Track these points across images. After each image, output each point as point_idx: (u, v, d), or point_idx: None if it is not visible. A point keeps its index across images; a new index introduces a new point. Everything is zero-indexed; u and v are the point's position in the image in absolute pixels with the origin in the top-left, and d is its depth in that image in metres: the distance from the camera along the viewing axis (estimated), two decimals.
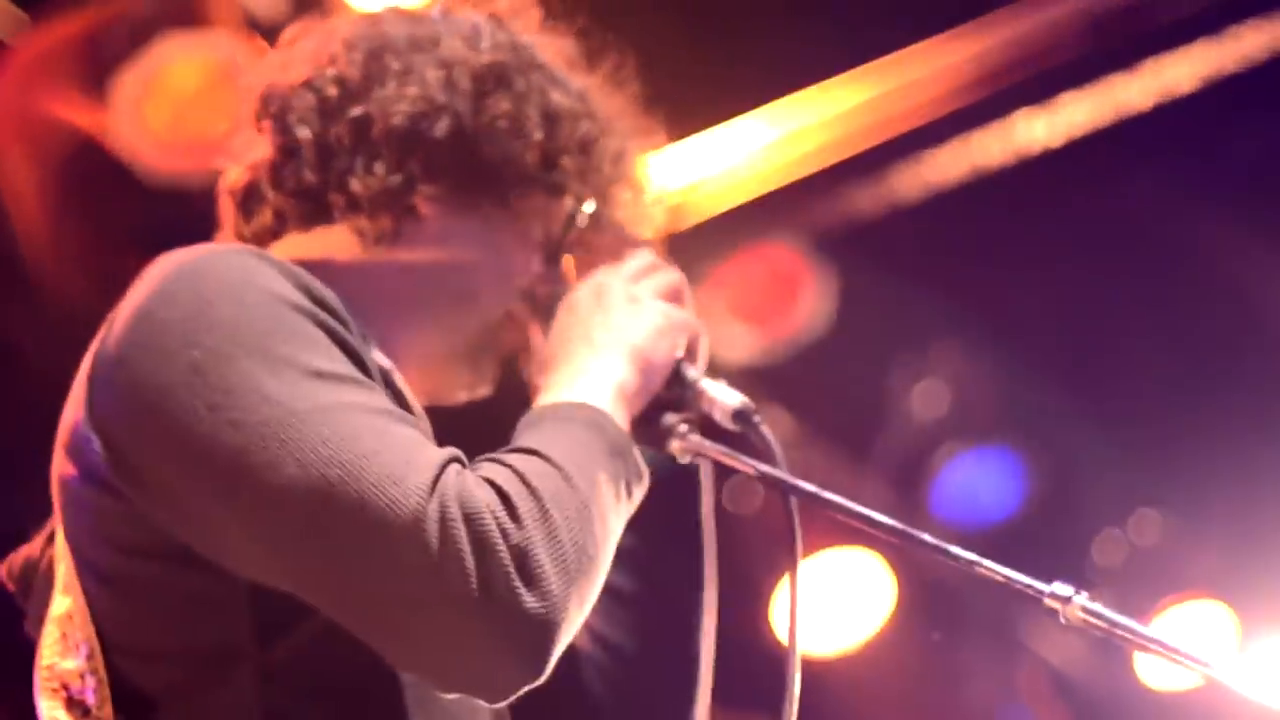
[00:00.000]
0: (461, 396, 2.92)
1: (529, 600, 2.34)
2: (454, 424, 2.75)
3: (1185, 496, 7.62)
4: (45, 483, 2.64)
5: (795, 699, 2.70)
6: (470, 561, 2.33)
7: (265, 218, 2.86)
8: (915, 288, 6.91)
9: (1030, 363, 7.28)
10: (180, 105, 5.52)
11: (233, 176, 2.89)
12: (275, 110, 2.86)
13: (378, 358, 2.66)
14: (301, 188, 2.83)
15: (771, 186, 6.31)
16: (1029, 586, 2.51)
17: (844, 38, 6.05)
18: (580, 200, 2.90)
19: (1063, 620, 2.48)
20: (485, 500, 2.37)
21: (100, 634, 2.55)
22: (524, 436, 2.53)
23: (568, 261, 2.94)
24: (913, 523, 2.62)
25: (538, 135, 2.85)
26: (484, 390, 2.92)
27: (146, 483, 2.47)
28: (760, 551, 7.23)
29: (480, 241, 2.85)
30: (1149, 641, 2.48)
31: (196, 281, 2.48)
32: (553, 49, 2.97)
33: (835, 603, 7.51)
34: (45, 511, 2.68)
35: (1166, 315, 7.10)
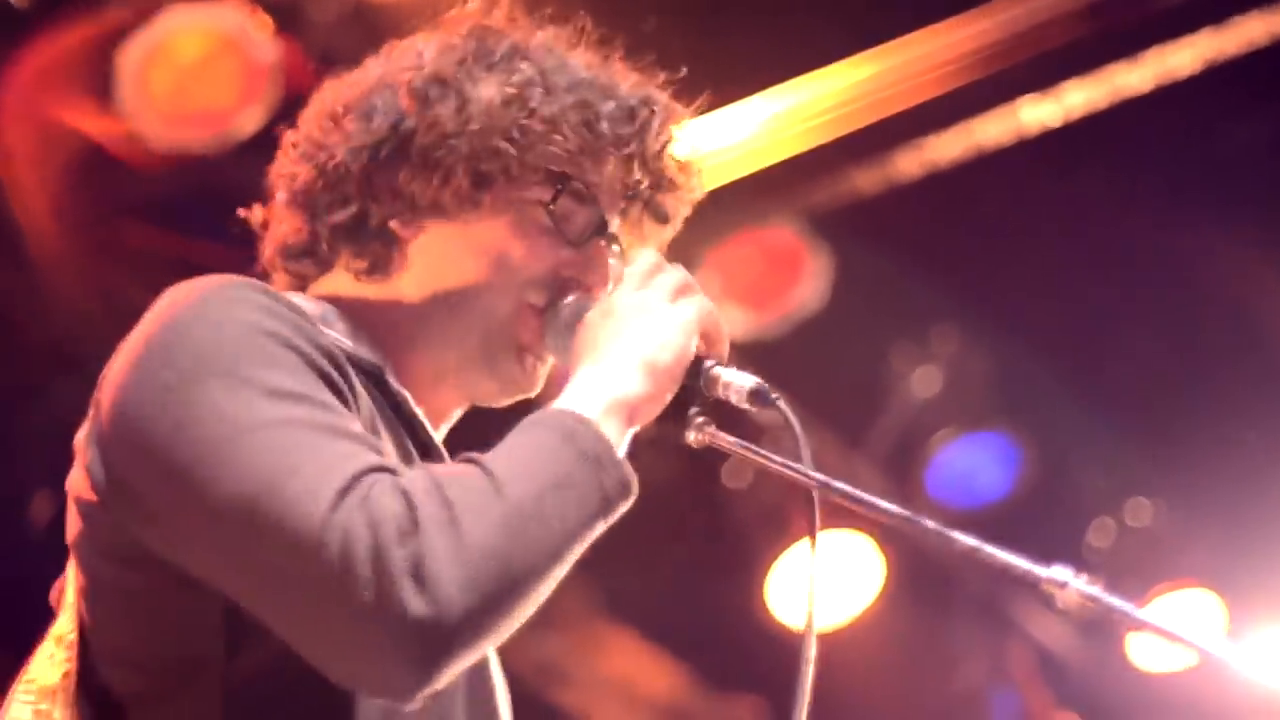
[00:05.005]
0: (502, 399, 2.95)
1: (418, 606, 2.38)
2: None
3: (1178, 486, 7.65)
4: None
5: (809, 681, 2.71)
6: (366, 568, 2.38)
7: (283, 279, 3.00)
8: (913, 271, 6.92)
9: (1027, 348, 7.29)
10: (184, 76, 5.54)
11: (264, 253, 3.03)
12: (272, 187, 3.01)
13: (393, 385, 2.81)
14: (294, 247, 2.97)
15: (769, 164, 6.31)
16: (1028, 571, 2.52)
17: (846, 23, 6.05)
18: (556, 176, 2.91)
19: (1060, 604, 2.49)
20: (391, 509, 2.41)
21: (82, 637, 2.65)
22: (496, 447, 2.57)
23: (609, 249, 2.94)
24: (906, 504, 2.65)
25: (475, 126, 2.87)
26: (527, 390, 2.94)
27: (125, 494, 2.57)
28: (755, 527, 7.25)
29: (464, 247, 2.89)
30: (1146, 624, 2.49)
31: (184, 310, 2.60)
32: (527, 35, 2.98)
33: (826, 582, 7.53)
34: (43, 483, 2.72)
35: (1164, 306, 7.11)
